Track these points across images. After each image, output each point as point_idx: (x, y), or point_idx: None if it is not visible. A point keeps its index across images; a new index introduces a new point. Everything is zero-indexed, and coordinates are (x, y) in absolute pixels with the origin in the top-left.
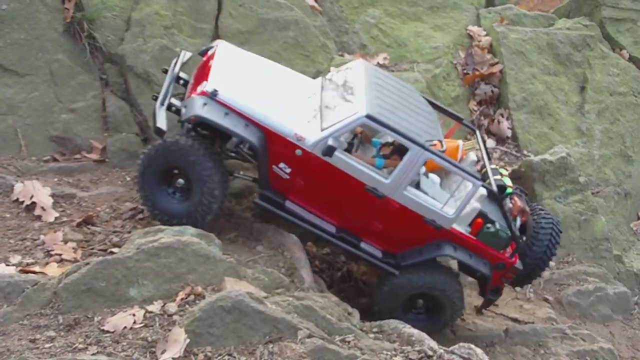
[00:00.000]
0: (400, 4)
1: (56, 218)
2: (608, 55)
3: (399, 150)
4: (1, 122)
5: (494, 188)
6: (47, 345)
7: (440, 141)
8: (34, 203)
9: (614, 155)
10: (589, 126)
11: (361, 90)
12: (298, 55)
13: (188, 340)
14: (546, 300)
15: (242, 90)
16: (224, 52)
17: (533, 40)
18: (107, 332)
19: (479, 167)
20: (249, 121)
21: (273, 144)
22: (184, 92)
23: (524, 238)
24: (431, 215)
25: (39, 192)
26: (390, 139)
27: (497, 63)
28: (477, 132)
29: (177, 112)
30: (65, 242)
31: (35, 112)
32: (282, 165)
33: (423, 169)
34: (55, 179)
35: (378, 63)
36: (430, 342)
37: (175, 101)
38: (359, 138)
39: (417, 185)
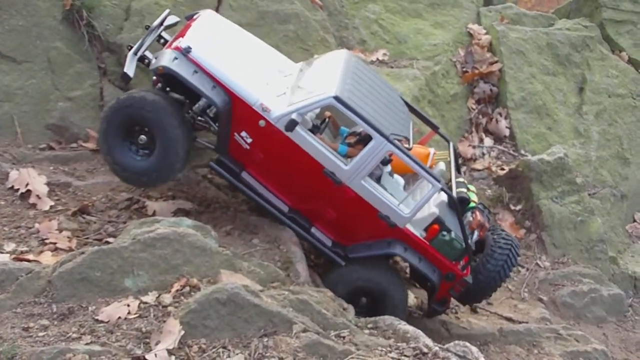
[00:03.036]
0: (400, 0)
1: (51, 206)
2: (607, 57)
3: (364, 141)
4: None
5: (454, 196)
6: (40, 334)
7: (408, 139)
8: (29, 191)
9: (611, 157)
10: (587, 127)
11: (336, 74)
12: (298, 49)
13: (183, 332)
14: (540, 300)
15: (216, 52)
16: (207, 18)
17: (533, 40)
18: (101, 322)
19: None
20: (217, 83)
21: (238, 111)
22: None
23: (480, 255)
24: (386, 211)
25: (35, 180)
26: (358, 129)
27: (496, 62)
28: (450, 144)
29: (149, 64)
30: (60, 230)
31: (32, 99)
32: (243, 134)
33: (389, 168)
34: (51, 168)
35: (377, 59)
36: (425, 340)
37: (149, 54)
38: (327, 123)
39: (378, 180)
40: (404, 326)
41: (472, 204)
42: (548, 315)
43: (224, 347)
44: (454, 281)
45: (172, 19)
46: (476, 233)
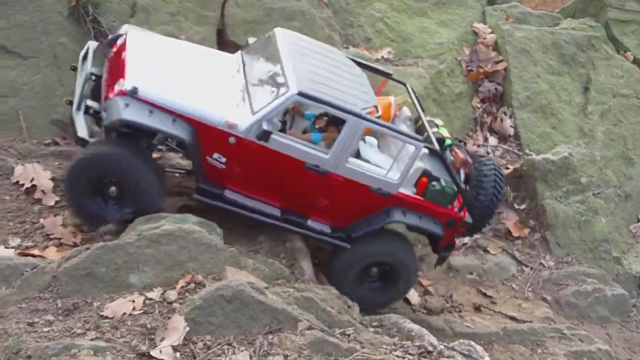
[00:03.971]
0: None
1: (56, 202)
2: (612, 57)
3: (335, 121)
4: (3, 104)
5: (435, 143)
6: (45, 329)
7: (376, 107)
8: (34, 186)
9: (616, 157)
10: (592, 127)
11: (287, 64)
12: None
13: (188, 329)
14: (544, 299)
15: (162, 82)
16: (135, 40)
17: (538, 39)
18: (106, 317)
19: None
20: (176, 116)
21: (204, 135)
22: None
23: (469, 189)
24: (377, 184)
25: (40, 175)
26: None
27: (501, 61)
28: (408, 86)
29: (96, 113)
30: (65, 226)
31: (37, 95)
32: (216, 155)
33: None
34: (56, 163)
35: (382, 57)
36: (430, 338)
37: (92, 103)
38: (291, 114)
39: (358, 154)
40: (408, 324)
41: (447, 141)
42: (552, 314)
43: (229, 344)
44: (455, 226)
45: (92, 47)
46: (462, 172)
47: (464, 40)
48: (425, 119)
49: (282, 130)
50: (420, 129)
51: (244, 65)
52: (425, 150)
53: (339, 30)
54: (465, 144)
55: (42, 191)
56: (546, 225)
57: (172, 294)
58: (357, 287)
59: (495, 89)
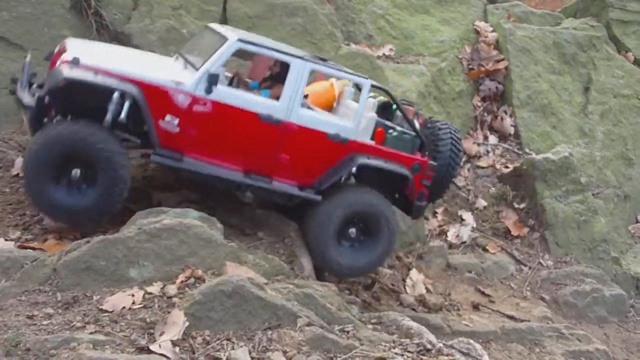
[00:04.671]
0: None
1: None
2: (613, 57)
3: (279, 77)
4: (3, 97)
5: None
6: (44, 322)
7: (323, 58)
8: None
9: (615, 157)
10: (592, 127)
11: (227, 29)
12: (305, 43)
13: (187, 323)
14: (542, 299)
15: (102, 56)
16: (76, 43)
17: (539, 38)
18: (106, 311)
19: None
20: (121, 78)
21: (153, 97)
22: None
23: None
24: (333, 129)
25: None
26: (266, 75)
27: (502, 59)
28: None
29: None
30: None
31: None
32: (168, 118)
33: (309, 103)
34: None
35: (384, 54)
36: (429, 336)
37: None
38: (236, 81)
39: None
40: (407, 322)
41: (394, 107)
42: (550, 314)
43: (228, 339)
44: (421, 170)
45: (29, 59)
46: (416, 123)
47: (466, 38)
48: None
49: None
50: None
51: (184, 56)
52: (375, 102)
53: (340, 26)
54: (414, 105)
55: None
56: (545, 224)
57: (171, 289)
58: (335, 248)
59: (496, 87)
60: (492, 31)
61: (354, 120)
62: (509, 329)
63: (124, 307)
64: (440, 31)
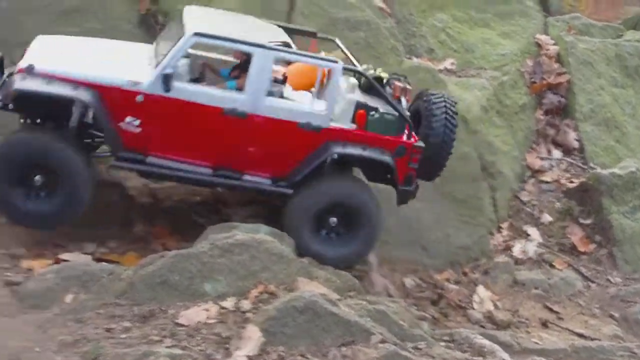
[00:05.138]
0: (468, 9)
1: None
2: None
3: (246, 66)
4: None
5: (358, 67)
6: (122, 336)
7: (289, 43)
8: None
9: None
10: None
11: (187, 23)
12: (368, 57)
13: (263, 339)
14: (612, 317)
15: (61, 59)
16: (39, 42)
17: (601, 51)
18: (182, 325)
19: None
20: (76, 83)
21: (110, 100)
22: None
23: (421, 127)
24: (303, 118)
25: None
26: (236, 62)
27: (564, 73)
28: (337, 40)
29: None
30: (146, 232)
31: None
32: (128, 119)
33: (289, 88)
34: None
35: (445, 68)
36: (502, 354)
37: None
38: (204, 72)
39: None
40: (480, 340)
41: (385, 77)
42: (620, 332)
43: (302, 356)
44: (407, 153)
45: None
46: (403, 100)
47: (527, 51)
48: (357, 65)
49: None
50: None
51: (155, 45)
52: (355, 81)
53: (401, 40)
54: (405, 77)
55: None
56: (613, 241)
57: (245, 304)
58: (313, 240)
59: (559, 101)
60: (554, 44)
61: (327, 107)
62: (579, 347)
63: (199, 322)
64: (501, 44)
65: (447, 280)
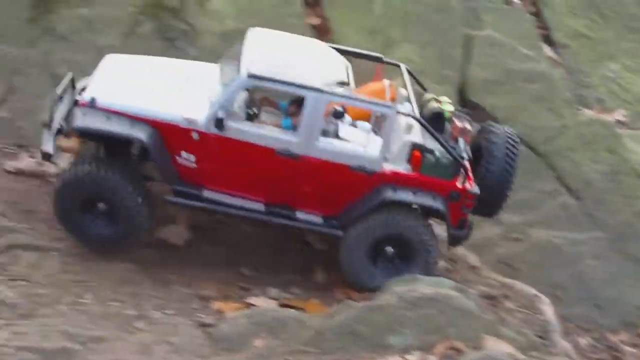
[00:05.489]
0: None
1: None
2: None
3: (301, 104)
4: None
5: (415, 112)
6: None
7: (345, 82)
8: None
9: None
10: None
11: (245, 55)
12: (543, 109)
13: None
14: None
15: (123, 91)
16: (108, 63)
17: None
18: None
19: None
20: (134, 119)
21: (168, 135)
22: None
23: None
24: (356, 162)
25: None
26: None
27: None
28: (402, 66)
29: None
30: (331, 282)
31: None
32: (184, 154)
33: (348, 119)
34: None
35: (616, 119)
36: None
37: (64, 122)
38: (262, 106)
39: (337, 136)
40: None
41: (447, 114)
42: None
43: None
44: (460, 199)
45: (69, 77)
46: (461, 140)
47: None
48: (411, 94)
49: (251, 120)
50: (422, 106)
51: (220, 69)
52: (412, 122)
53: (571, 90)
54: (469, 115)
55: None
56: None
57: (431, 359)
58: (370, 269)
59: None
60: None
61: (380, 150)
62: None
63: None
64: None
65: (623, 342)
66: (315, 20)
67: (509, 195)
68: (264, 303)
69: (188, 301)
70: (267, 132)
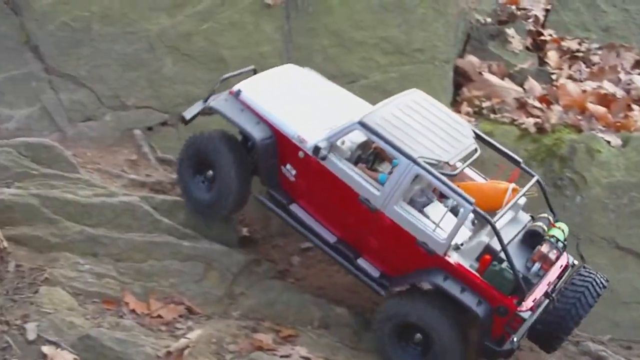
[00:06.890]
0: None
1: None
2: None
3: None
4: None
5: (499, 218)
6: None
7: (450, 164)
8: None
9: None
10: None
11: (380, 104)
12: None
13: None
14: None
15: (269, 95)
16: (282, 69)
17: None
18: None
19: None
20: (261, 119)
21: (282, 145)
22: None
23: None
24: (423, 237)
25: None
26: None
27: None
28: (536, 178)
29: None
30: None
31: None
32: (288, 166)
33: (449, 202)
34: None
35: None
36: None
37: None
38: (374, 153)
39: (423, 209)
40: None
41: (546, 237)
42: None
43: None
44: (507, 316)
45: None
46: (536, 265)
47: None
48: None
49: (355, 162)
50: (534, 219)
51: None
52: (489, 229)
53: None
54: (564, 246)
55: None
56: None
57: None
58: (393, 347)
59: None
60: None
61: (447, 237)
62: None
63: None
64: None
65: None
66: None
67: (564, 339)
68: None
69: None
70: (356, 177)
